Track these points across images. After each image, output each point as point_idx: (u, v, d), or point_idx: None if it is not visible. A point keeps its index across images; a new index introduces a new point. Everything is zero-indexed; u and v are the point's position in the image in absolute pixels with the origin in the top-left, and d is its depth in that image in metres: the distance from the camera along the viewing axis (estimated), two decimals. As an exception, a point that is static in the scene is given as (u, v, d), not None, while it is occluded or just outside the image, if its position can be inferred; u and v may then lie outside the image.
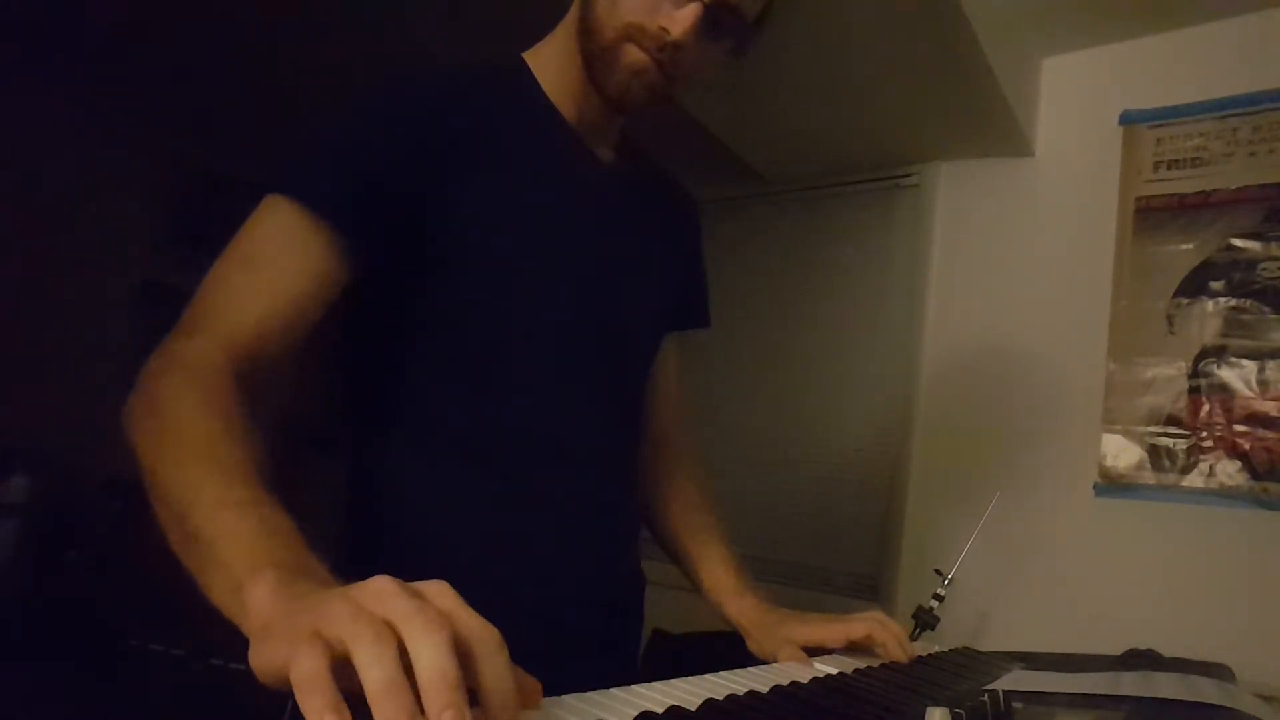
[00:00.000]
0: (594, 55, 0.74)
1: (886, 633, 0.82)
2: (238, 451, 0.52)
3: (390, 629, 0.34)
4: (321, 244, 0.66)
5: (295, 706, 0.34)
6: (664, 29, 0.71)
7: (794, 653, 0.80)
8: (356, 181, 0.68)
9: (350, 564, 0.63)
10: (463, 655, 0.35)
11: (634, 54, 0.73)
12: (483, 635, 0.36)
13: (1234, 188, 1.63)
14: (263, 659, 0.37)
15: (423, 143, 0.72)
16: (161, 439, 0.53)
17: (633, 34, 0.72)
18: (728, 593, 0.92)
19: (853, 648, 0.84)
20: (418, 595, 0.37)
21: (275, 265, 0.65)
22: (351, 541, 0.76)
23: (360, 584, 0.38)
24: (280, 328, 0.64)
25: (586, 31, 0.74)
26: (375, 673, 0.32)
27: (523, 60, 0.82)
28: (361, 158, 0.69)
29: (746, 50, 0.78)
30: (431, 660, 0.33)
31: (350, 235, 0.67)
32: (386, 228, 0.70)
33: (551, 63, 0.80)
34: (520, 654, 0.39)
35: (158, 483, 0.51)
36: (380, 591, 0.36)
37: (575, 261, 0.79)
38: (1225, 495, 1.55)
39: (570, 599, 0.78)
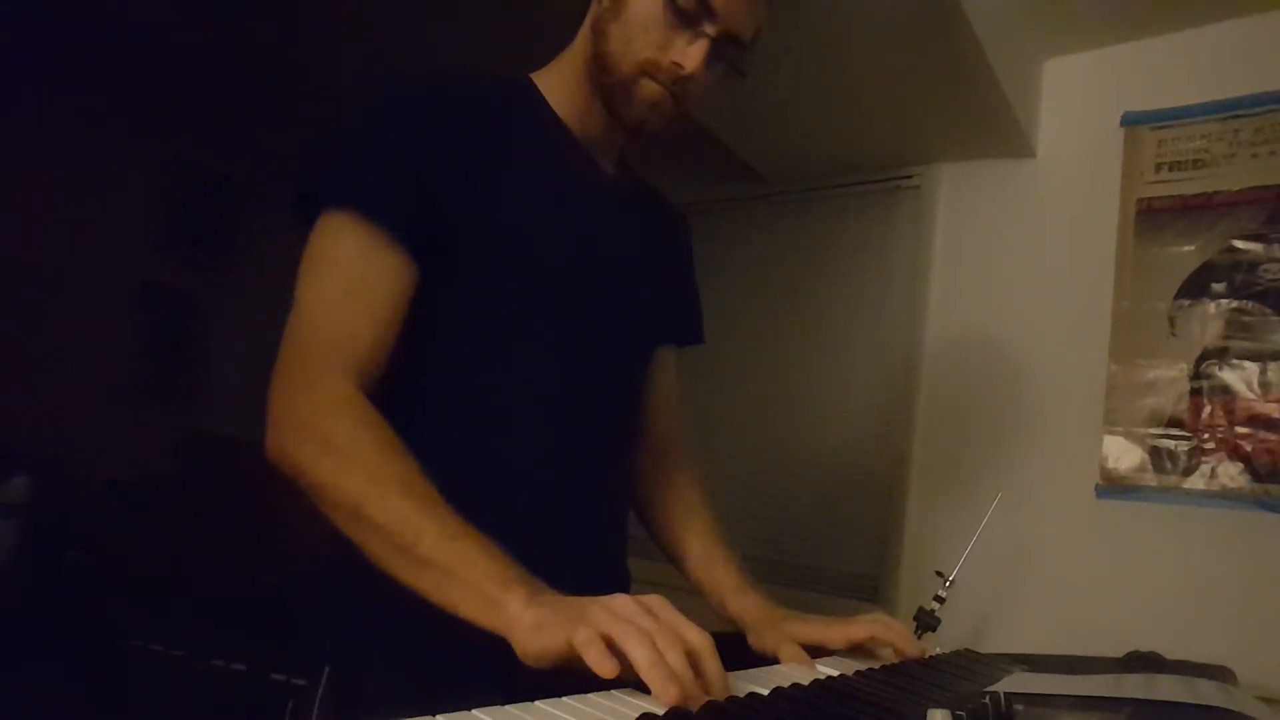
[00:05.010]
0: (611, 89, 0.79)
1: (891, 633, 0.82)
2: (426, 483, 0.64)
3: (642, 630, 0.51)
4: (399, 261, 0.73)
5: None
6: (677, 64, 0.76)
7: (795, 651, 0.80)
8: (411, 193, 0.73)
9: (353, 553, 0.64)
10: (688, 656, 0.52)
11: (650, 88, 0.78)
12: (704, 642, 0.54)
13: (1236, 189, 1.63)
14: (540, 643, 0.53)
15: (450, 145, 0.75)
16: (355, 477, 0.63)
17: (648, 69, 0.77)
18: (729, 590, 0.92)
19: (856, 649, 0.83)
20: (650, 610, 0.54)
21: (372, 291, 0.71)
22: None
23: (605, 597, 0.55)
24: (385, 347, 0.72)
25: (602, 67, 0.78)
26: (644, 654, 0.50)
27: (530, 80, 0.85)
28: (408, 166, 0.74)
29: (744, 70, 0.82)
30: (675, 660, 0.50)
31: (415, 247, 0.73)
32: (429, 230, 0.74)
33: (560, 83, 0.84)
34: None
35: (364, 516, 0.62)
36: (625, 605, 0.54)
37: (580, 264, 0.82)
38: (1227, 497, 1.54)
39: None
